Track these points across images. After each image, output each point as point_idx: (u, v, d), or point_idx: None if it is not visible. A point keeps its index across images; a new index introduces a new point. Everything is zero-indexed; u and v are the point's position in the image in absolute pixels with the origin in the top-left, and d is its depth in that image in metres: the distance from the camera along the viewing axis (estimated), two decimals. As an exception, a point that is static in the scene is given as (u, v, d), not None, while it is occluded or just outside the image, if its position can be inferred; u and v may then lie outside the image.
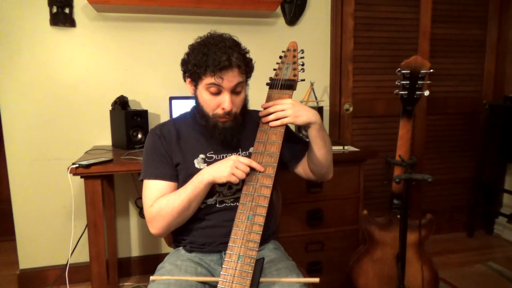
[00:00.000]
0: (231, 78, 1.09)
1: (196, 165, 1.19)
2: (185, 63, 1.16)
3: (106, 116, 2.11)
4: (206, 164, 1.19)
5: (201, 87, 1.13)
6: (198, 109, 1.18)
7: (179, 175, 1.20)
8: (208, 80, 1.09)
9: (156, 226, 1.14)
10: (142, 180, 1.20)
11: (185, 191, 1.11)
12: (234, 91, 1.13)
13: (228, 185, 1.20)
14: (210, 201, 1.20)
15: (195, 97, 1.18)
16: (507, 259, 2.44)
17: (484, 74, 2.74)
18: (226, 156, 1.21)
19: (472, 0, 2.62)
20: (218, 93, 1.11)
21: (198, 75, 1.11)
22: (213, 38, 1.13)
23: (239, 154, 1.22)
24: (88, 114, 2.12)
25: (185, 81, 1.20)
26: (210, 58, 1.07)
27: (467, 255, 2.52)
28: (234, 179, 1.06)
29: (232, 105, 1.12)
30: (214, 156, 1.21)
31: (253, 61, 1.20)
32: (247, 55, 1.16)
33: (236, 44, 1.14)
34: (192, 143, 1.22)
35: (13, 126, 2.04)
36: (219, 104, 1.12)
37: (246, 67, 1.13)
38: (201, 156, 1.20)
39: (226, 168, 1.06)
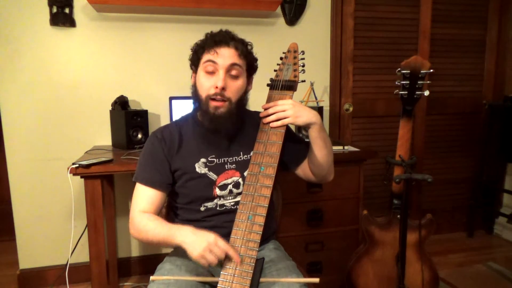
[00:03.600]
0: (226, 56, 1.10)
1: (197, 169, 1.18)
2: (191, 52, 1.20)
3: (106, 116, 2.11)
4: (207, 169, 1.19)
5: (200, 68, 1.15)
6: (195, 100, 1.18)
7: (179, 180, 1.19)
8: (205, 57, 1.12)
9: (132, 232, 1.16)
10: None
11: (160, 231, 1.09)
12: (230, 73, 1.12)
13: (229, 189, 1.19)
14: (211, 204, 1.20)
15: (194, 88, 1.18)
16: (507, 259, 2.44)
17: (484, 74, 2.74)
18: (228, 160, 1.21)
19: (472, 0, 2.62)
20: (214, 73, 1.12)
21: (197, 55, 1.15)
22: (220, 29, 1.18)
23: (241, 158, 1.22)
24: (88, 114, 2.12)
25: (191, 77, 1.22)
26: (208, 37, 1.13)
27: (467, 255, 2.52)
28: (203, 262, 1.00)
29: (227, 88, 1.11)
30: (215, 160, 1.20)
31: (257, 61, 1.21)
32: (251, 48, 1.19)
33: (240, 39, 1.16)
34: (194, 146, 1.21)
35: (13, 126, 2.04)
36: (213, 84, 1.11)
37: (245, 49, 1.15)
38: (202, 160, 1.19)
39: (200, 247, 0.99)
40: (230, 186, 1.19)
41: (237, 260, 1.01)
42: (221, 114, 1.12)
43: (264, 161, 1.12)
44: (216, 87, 1.10)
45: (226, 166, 1.20)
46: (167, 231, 1.08)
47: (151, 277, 1.10)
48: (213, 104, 1.12)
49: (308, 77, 2.20)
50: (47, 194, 2.11)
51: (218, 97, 1.11)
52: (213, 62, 1.10)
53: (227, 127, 1.15)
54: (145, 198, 1.16)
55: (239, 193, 1.19)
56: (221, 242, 1.00)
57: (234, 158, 1.22)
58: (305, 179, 1.33)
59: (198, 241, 1.01)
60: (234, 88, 1.14)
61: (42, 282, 2.14)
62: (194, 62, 1.17)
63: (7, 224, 2.25)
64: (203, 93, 1.14)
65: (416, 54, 2.43)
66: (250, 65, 1.19)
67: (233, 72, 1.13)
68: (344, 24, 2.41)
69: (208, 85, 1.12)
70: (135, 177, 1.19)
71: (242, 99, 1.19)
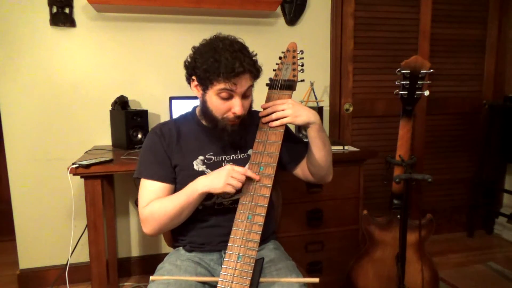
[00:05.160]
0: (243, 83, 1.09)
1: (195, 167, 1.19)
2: (192, 67, 1.14)
3: (106, 116, 2.11)
4: (205, 166, 1.19)
5: (211, 92, 1.11)
6: (205, 113, 1.17)
7: (178, 176, 1.19)
8: (220, 85, 1.08)
9: (148, 227, 1.15)
10: (137, 178, 1.20)
11: (179, 197, 1.11)
12: (244, 95, 1.13)
13: None
14: (209, 203, 1.20)
15: (202, 101, 1.16)
16: (507, 259, 2.44)
17: (484, 74, 2.74)
18: (225, 158, 1.21)
19: (472, 0, 2.62)
20: (229, 97, 1.11)
21: (209, 80, 1.09)
22: (221, 42, 1.11)
23: (238, 157, 1.23)
24: (88, 114, 2.12)
25: (189, 83, 1.19)
26: (222, 64, 1.05)
27: (467, 255, 2.52)
28: (230, 189, 1.05)
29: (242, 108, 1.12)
30: (213, 157, 1.21)
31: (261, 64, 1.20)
32: (256, 60, 1.16)
33: (244, 48, 1.14)
34: (192, 144, 1.21)
35: (13, 126, 2.04)
36: (229, 108, 1.12)
37: (257, 71, 1.14)
38: (200, 157, 1.20)
39: (221, 178, 1.05)
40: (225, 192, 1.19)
41: (256, 178, 1.08)
42: (237, 130, 1.16)
43: (263, 161, 1.12)
44: (234, 113, 1.11)
45: (223, 164, 1.21)
46: (184, 194, 1.11)
47: (151, 277, 1.10)
48: (230, 123, 1.14)
49: (308, 77, 2.21)
50: (47, 194, 2.11)
51: (236, 119, 1.14)
52: (231, 90, 1.09)
53: (243, 136, 1.20)
54: (153, 193, 1.15)
55: (237, 192, 1.19)
56: (237, 167, 1.07)
57: (231, 156, 1.22)
58: (304, 179, 1.33)
59: (217, 176, 1.07)
60: (247, 105, 1.17)
61: (42, 282, 2.14)
62: (202, 81, 1.12)
63: (7, 224, 2.25)
64: (218, 114, 1.14)
65: (416, 54, 2.43)
66: (258, 76, 1.18)
67: (247, 94, 1.14)
68: (344, 24, 2.41)
69: (224, 109, 1.13)
70: (138, 173, 1.19)
71: (250, 106, 1.21)
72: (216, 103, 1.12)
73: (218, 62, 1.06)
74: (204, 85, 1.12)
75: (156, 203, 1.13)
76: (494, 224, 2.86)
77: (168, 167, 1.18)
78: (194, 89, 1.18)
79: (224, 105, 1.12)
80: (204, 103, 1.16)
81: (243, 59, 1.07)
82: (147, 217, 1.13)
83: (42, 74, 2.04)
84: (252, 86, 1.14)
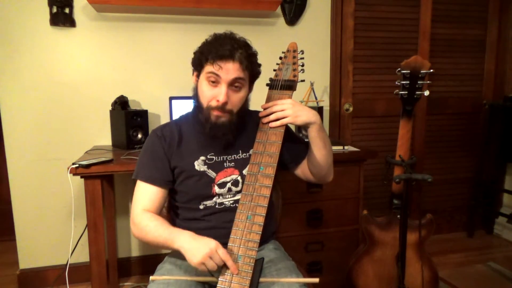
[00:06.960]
0: (230, 70, 1.09)
1: (196, 167, 1.19)
2: (193, 55, 1.18)
3: (106, 116, 2.11)
4: (206, 166, 1.19)
5: (202, 76, 1.14)
6: (196, 103, 1.18)
7: (179, 177, 1.19)
8: (208, 68, 1.10)
9: (133, 230, 1.17)
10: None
11: (161, 235, 1.09)
12: (232, 86, 1.12)
13: (228, 187, 1.20)
14: (210, 203, 1.20)
15: (195, 91, 1.18)
16: (507, 259, 2.44)
17: (484, 74, 2.74)
18: (227, 158, 1.21)
19: (472, 0, 2.62)
20: (216, 85, 1.11)
21: (200, 62, 1.13)
22: (225, 34, 1.15)
23: (240, 156, 1.22)
24: (88, 114, 2.12)
25: (193, 75, 1.21)
26: (213, 47, 1.10)
27: (467, 255, 2.52)
28: (202, 268, 0.99)
29: (229, 101, 1.11)
30: (214, 158, 1.21)
31: (260, 66, 1.19)
32: (255, 58, 1.16)
33: (245, 44, 1.14)
34: (193, 144, 1.21)
35: (13, 126, 2.04)
36: (215, 95, 1.11)
37: (249, 63, 1.12)
38: (202, 158, 1.20)
39: (200, 254, 0.99)
40: (229, 184, 1.20)
41: (234, 271, 1.00)
42: (222, 124, 1.13)
43: (264, 161, 1.12)
44: (218, 101, 1.10)
45: (225, 164, 1.21)
46: (167, 234, 1.08)
47: (151, 277, 1.10)
48: (214, 113, 1.12)
49: (308, 77, 2.21)
50: (47, 194, 2.11)
51: (220, 110, 1.12)
52: (216, 75, 1.09)
53: (227, 136, 1.16)
54: (146, 195, 1.17)
55: (238, 191, 1.19)
56: (221, 250, 1.00)
57: (233, 156, 1.22)
58: (304, 179, 1.33)
59: (199, 248, 1.00)
60: (236, 100, 1.14)
61: (42, 282, 2.14)
62: (197, 67, 1.16)
63: (7, 224, 2.25)
64: (204, 101, 1.14)
65: (416, 54, 2.43)
66: (253, 75, 1.18)
67: (236, 85, 1.13)
68: (344, 24, 2.41)
69: (209, 95, 1.12)
70: (135, 174, 1.20)
71: (244, 107, 1.19)
72: (205, 88, 1.13)
73: (210, 45, 1.11)
74: (198, 70, 1.15)
75: (144, 220, 1.12)
76: (494, 224, 2.86)
77: (165, 170, 1.18)
78: (193, 78, 1.20)
79: (211, 92, 1.12)
80: (196, 93, 1.18)
81: (235, 47, 1.09)
82: (136, 224, 1.14)
83: (42, 74, 2.04)
84: (243, 79, 1.12)
